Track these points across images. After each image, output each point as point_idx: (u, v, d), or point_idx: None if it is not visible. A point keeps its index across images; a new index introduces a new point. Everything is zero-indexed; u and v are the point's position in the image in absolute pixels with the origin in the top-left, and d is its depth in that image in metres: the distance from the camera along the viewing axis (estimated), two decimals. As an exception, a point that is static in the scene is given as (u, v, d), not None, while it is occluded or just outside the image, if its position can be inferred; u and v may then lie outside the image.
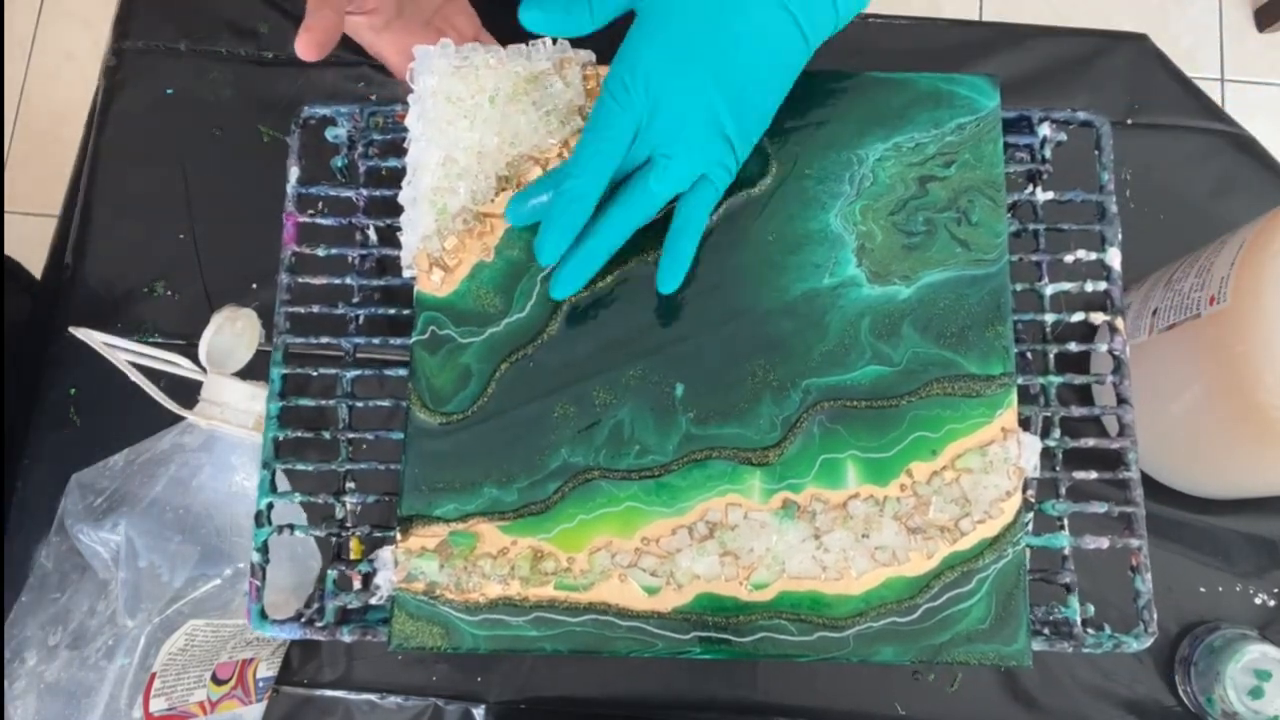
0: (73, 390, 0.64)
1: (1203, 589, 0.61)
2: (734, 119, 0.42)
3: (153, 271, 0.66)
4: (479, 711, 0.60)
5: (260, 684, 0.58)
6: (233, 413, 0.52)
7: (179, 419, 0.52)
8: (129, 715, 0.49)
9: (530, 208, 0.43)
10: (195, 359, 0.54)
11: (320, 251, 0.47)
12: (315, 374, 0.46)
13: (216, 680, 0.54)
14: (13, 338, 0.63)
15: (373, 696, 0.60)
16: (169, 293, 0.66)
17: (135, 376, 0.53)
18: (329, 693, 0.60)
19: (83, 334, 0.55)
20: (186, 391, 0.53)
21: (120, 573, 0.49)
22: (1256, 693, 0.56)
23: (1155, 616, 0.42)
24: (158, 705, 0.50)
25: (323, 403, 0.46)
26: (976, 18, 1.42)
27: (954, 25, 0.71)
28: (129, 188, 0.67)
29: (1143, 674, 0.60)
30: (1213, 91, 1.32)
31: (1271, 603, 0.61)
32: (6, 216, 1.11)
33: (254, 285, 0.66)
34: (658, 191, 0.42)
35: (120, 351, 0.54)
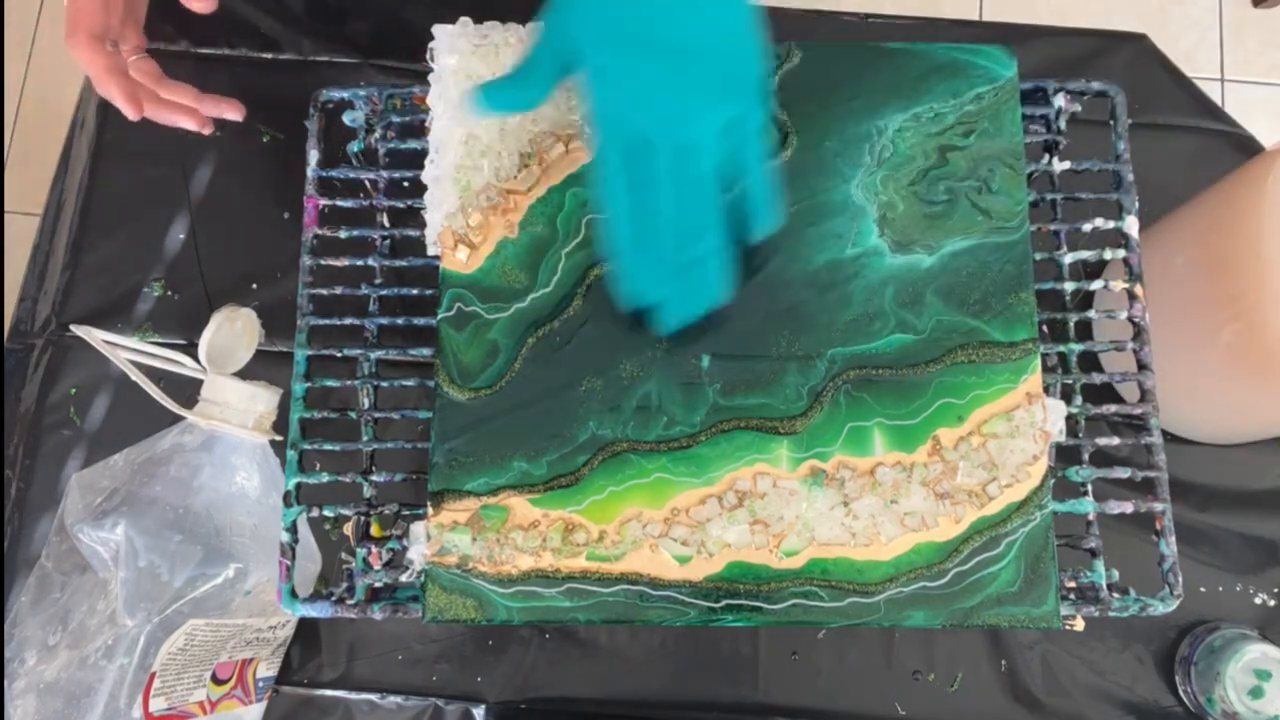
0: (73, 390, 0.64)
1: (1203, 589, 0.61)
2: (705, 67, 0.39)
3: (153, 271, 0.66)
4: (479, 711, 0.60)
5: (260, 684, 0.58)
6: (233, 412, 0.52)
7: (179, 419, 0.52)
8: (128, 715, 0.49)
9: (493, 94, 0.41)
10: (195, 359, 0.54)
11: (342, 233, 0.47)
12: (340, 354, 0.46)
13: (216, 680, 0.54)
14: None
15: (373, 696, 0.60)
16: (169, 293, 0.66)
17: (135, 376, 0.53)
18: (329, 693, 0.60)
19: (83, 333, 0.55)
20: (186, 391, 0.53)
21: (120, 572, 0.49)
22: (1256, 693, 0.56)
23: (1180, 579, 0.43)
24: (157, 705, 0.50)
25: (347, 383, 0.46)
26: (976, 18, 1.43)
27: (954, 25, 0.71)
28: (129, 188, 0.67)
29: (1143, 674, 0.60)
30: (1213, 91, 1.33)
31: (1271, 603, 0.61)
32: (6, 216, 1.11)
33: (254, 285, 0.66)
34: (703, 172, 0.40)
35: (120, 351, 0.54)
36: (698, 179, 0.40)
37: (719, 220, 0.41)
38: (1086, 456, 0.45)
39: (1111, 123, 0.47)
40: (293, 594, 0.43)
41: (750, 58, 0.40)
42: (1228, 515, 0.62)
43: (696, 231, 0.40)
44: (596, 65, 0.40)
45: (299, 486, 0.44)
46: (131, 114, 0.52)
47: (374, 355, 0.47)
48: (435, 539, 0.42)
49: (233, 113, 0.55)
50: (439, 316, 0.44)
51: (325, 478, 0.45)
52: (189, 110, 0.55)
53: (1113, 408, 0.45)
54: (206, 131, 0.55)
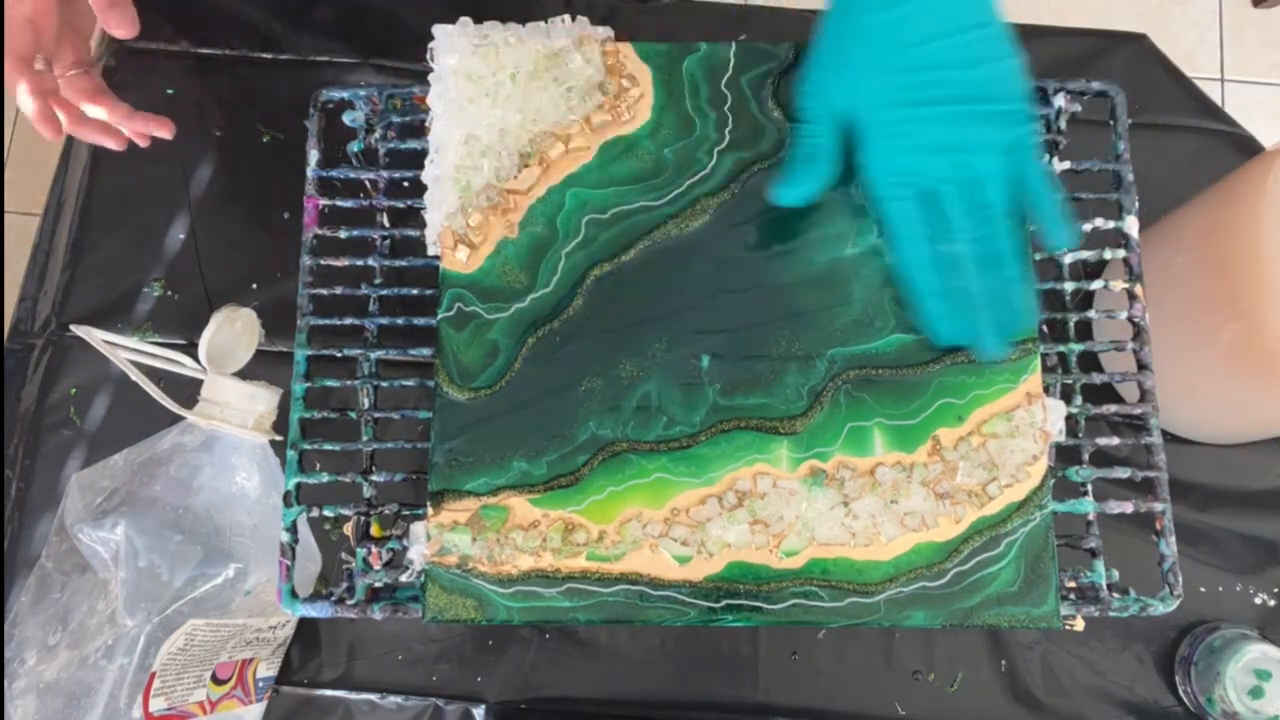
0: (73, 390, 0.64)
1: (1203, 589, 0.61)
2: (975, 100, 0.41)
3: (153, 271, 0.66)
4: (479, 711, 0.60)
5: (260, 684, 0.58)
6: (233, 412, 0.52)
7: (179, 419, 0.52)
8: (128, 715, 0.49)
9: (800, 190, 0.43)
10: (195, 359, 0.54)
11: (342, 234, 0.47)
12: (340, 354, 0.46)
13: (216, 680, 0.54)
14: None
15: (373, 696, 0.60)
16: (169, 293, 0.66)
17: (135, 376, 0.53)
18: (329, 693, 0.60)
19: (83, 333, 0.55)
20: (186, 391, 0.53)
21: (120, 572, 0.48)
22: (1256, 693, 0.56)
23: (1180, 579, 0.43)
24: (157, 705, 0.50)
25: (347, 383, 0.46)
26: (976, 18, 1.42)
27: (954, 25, 0.71)
28: (129, 188, 0.67)
29: (1143, 674, 0.60)
30: (1213, 91, 1.33)
31: (1271, 603, 0.61)
32: (6, 216, 1.11)
33: (254, 285, 0.66)
34: (994, 200, 0.41)
35: (120, 351, 0.54)
36: (989, 210, 0.41)
37: (1016, 246, 0.42)
38: (1086, 456, 0.45)
39: (1111, 123, 0.47)
40: (293, 594, 0.43)
41: (1012, 80, 0.42)
42: (1228, 515, 0.62)
43: (997, 260, 0.41)
44: (874, 125, 0.42)
45: (299, 486, 0.44)
46: (47, 135, 0.52)
47: (374, 355, 0.47)
48: (435, 539, 0.42)
49: (162, 131, 0.56)
50: (439, 316, 0.44)
51: (325, 478, 0.45)
52: (109, 130, 0.55)
53: (1113, 408, 0.45)
54: (119, 148, 0.55)
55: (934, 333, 0.42)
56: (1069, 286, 0.46)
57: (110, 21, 0.50)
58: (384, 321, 0.47)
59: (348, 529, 0.46)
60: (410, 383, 0.47)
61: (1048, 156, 0.48)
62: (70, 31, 0.53)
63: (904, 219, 0.42)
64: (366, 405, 0.46)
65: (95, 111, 0.54)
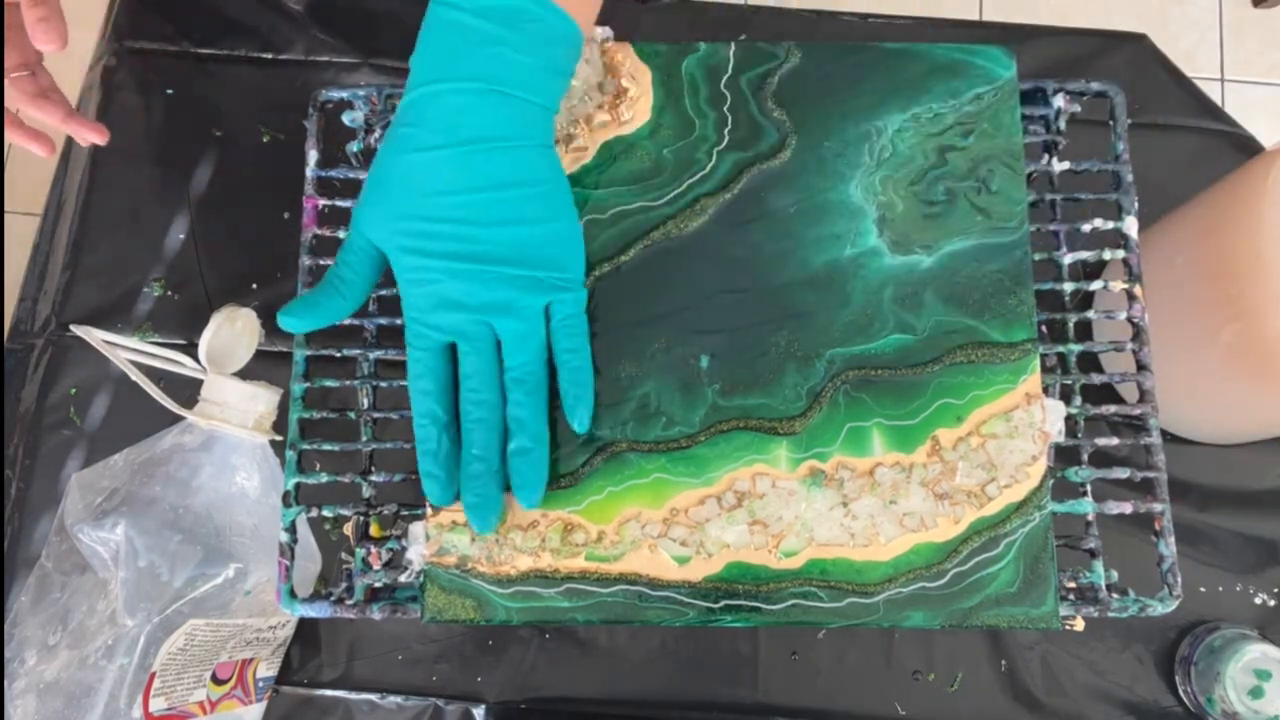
0: (73, 390, 0.64)
1: (1203, 589, 0.61)
2: (499, 262, 0.40)
3: (153, 271, 0.66)
4: (479, 711, 0.60)
5: (260, 684, 0.58)
6: (233, 413, 0.52)
7: (179, 419, 0.52)
8: (128, 715, 0.49)
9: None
10: (195, 359, 0.54)
11: (342, 234, 0.47)
12: (339, 354, 0.46)
13: (216, 680, 0.54)
14: None
15: (373, 696, 0.60)
16: (169, 293, 0.66)
17: (135, 376, 0.53)
18: (329, 693, 0.60)
19: (83, 332, 0.55)
20: (186, 391, 0.53)
21: (120, 572, 0.48)
22: (1256, 693, 0.56)
23: (1180, 579, 0.43)
24: (157, 705, 0.50)
25: (346, 383, 0.46)
26: (976, 18, 1.42)
27: (954, 25, 0.71)
28: (129, 188, 0.67)
29: (1143, 674, 0.60)
30: (1213, 91, 1.33)
31: (1271, 603, 0.61)
32: (6, 216, 1.11)
33: (254, 285, 0.66)
34: (514, 365, 0.41)
35: (120, 351, 0.54)
36: (511, 374, 0.41)
37: (535, 415, 0.41)
38: (1086, 457, 0.44)
39: (1111, 123, 0.47)
40: (292, 594, 0.43)
41: (553, 245, 0.41)
42: (1228, 515, 0.62)
43: (516, 427, 0.41)
44: (397, 268, 0.41)
45: (298, 486, 0.44)
46: None
47: (373, 355, 0.47)
48: (434, 539, 0.42)
49: (97, 137, 0.56)
50: None
51: (325, 478, 0.45)
52: (37, 136, 0.55)
53: (1112, 408, 0.45)
54: (44, 153, 0.56)
55: (425, 492, 0.41)
56: (1068, 287, 0.46)
57: (39, 36, 0.49)
58: (383, 321, 0.47)
59: (347, 529, 0.46)
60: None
61: (1047, 156, 0.48)
62: (15, 34, 0.53)
63: (415, 367, 0.41)
64: (366, 405, 0.46)
65: (34, 114, 0.55)
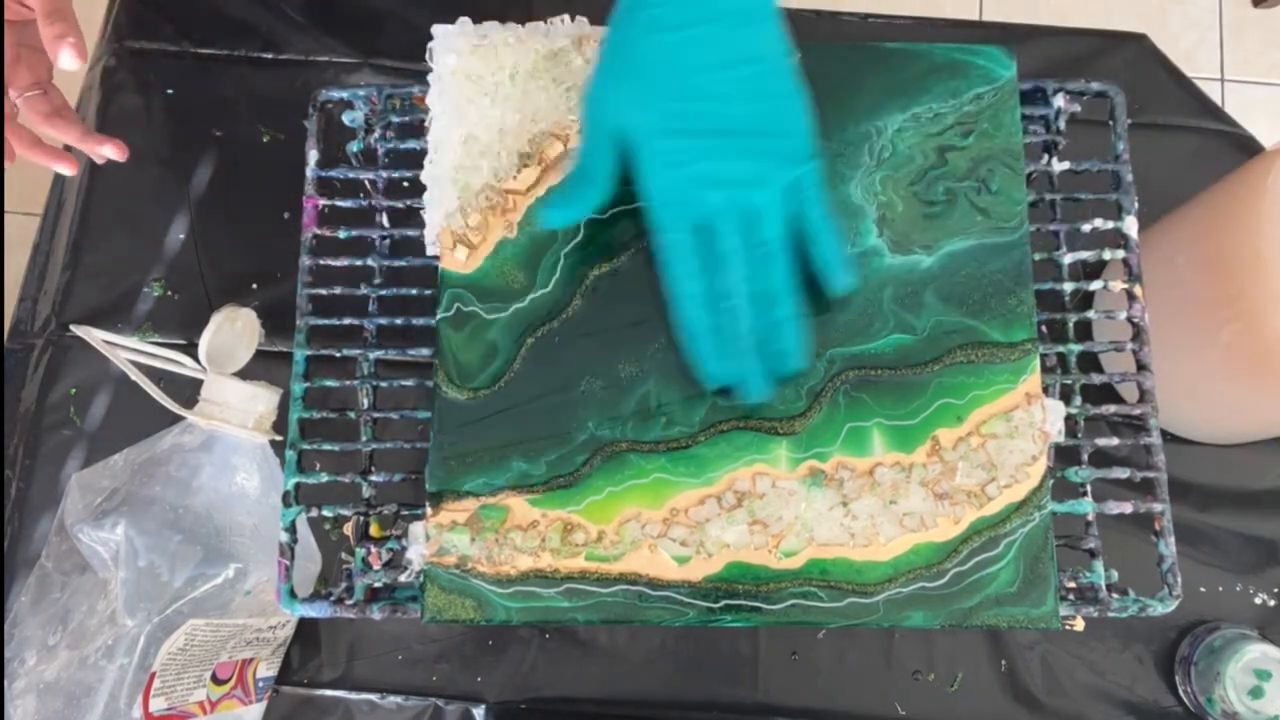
0: (73, 390, 0.64)
1: (1203, 589, 0.61)
2: (755, 135, 0.40)
3: (153, 271, 0.66)
4: (479, 711, 0.60)
5: (260, 684, 0.58)
6: (233, 412, 0.52)
7: (179, 419, 0.52)
8: (128, 715, 0.49)
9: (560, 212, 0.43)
10: (195, 359, 0.54)
11: (341, 234, 0.47)
12: (339, 354, 0.46)
13: (216, 680, 0.54)
14: None
15: (373, 696, 0.60)
16: (169, 293, 0.66)
17: (135, 376, 0.53)
18: (329, 693, 0.60)
19: (83, 332, 0.55)
20: (186, 391, 0.53)
21: (120, 572, 0.49)
22: (1256, 693, 0.56)
23: (1179, 580, 0.43)
24: (157, 705, 0.50)
25: (346, 383, 0.46)
26: (976, 18, 1.42)
27: (954, 25, 0.71)
28: (129, 188, 0.67)
29: (1143, 674, 0.60)
30: (1213, 91, 1.33)
31: (1271, 603, 0.61)
32: (7, 216, 1.11)
33: (254, 285, 0.66)
34: (770, 239, 0.41)
35: (120, 351, 0.54)
36: (765, 248, 0.41)
37: (791, 286, 0.41)
38: (1086, 457, 0.44)
39: (1111, 123, 0.47)
40: (292, 594, 0.43)
41: (797, 117, 0.41)
42: (1228, 515, 0.62)
43: (770, 301, 0.41)
44: (649, 151, 0.41)
45: (298, 486, 0.44)
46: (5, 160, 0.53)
47: (373, 355, 0.47)
48: (434, 539, 0.42)
49: (116, 153, 0.56)
50: (438, 316, 0.44)
51: (325, 478, 0.45)
52: (61, 155, 0.54)
53: (1112, 408, 0.45)
54: (70, 172, 0.55)
55: (701, 373, 0.42)
56: (1068, 287, 0.46)
57: (58, 53, 0.49)
58: (383, 321, 0.47)
59: (347, 529, 0.46)
60: (409, 383, 0.47)
61: (1047, 156, 0.48)
62: (27, 52, 0.52)
63: (675, 252, 0.41)
64: (366, 405, 0.46)
65: (51, 134, 0.54)
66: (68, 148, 0.55)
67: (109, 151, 0.55)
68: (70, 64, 0.49)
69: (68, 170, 0.55)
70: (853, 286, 0.42)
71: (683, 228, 0.41)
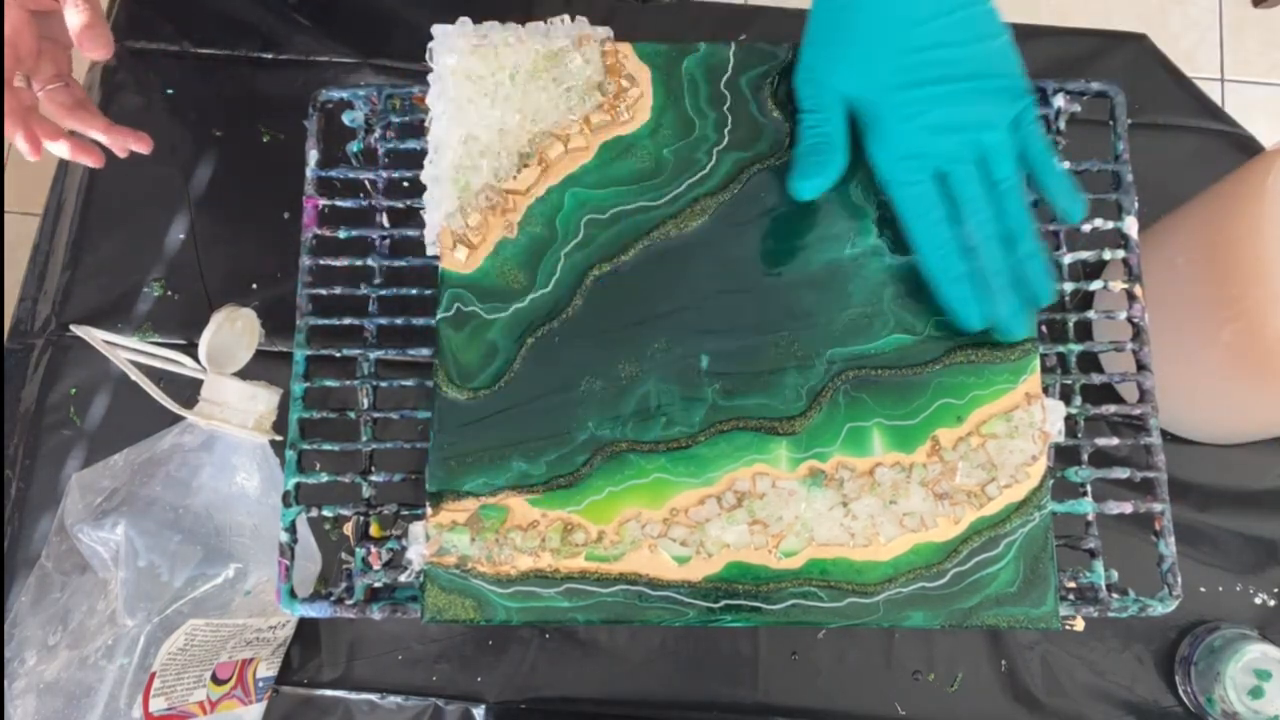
0: (73, 390, 0.64)
1: (1203, 589, 0.61)
2: (978, 76, 0.41)
3: (153, 271, 0.66)
4: (479, 711, 0.60)
5: (260, 684, 0.58)
6: (233, 412, 0.52)
7: (179, 419, 0.52)
8: (128, 715, 0.49)
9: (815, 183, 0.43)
10: (195, 359, 0.54)
11: (341, 234, 0.47)
12: (339, 354, 0.46)
13: (216, 680, 0.54)
14: None
15: (373, 696, 0.60)
16: (169, 293, 0.66)
17: (135, 376, 0.53)
18: (329, 693, 0.60)
19: (83, 332, 0.55)
20: (186, 391, 0.53)
21: (120, 572, 0.49)
22: (1256, 693, 0.56)
23: (1179, 580, 0.43)
24: (157, 705, 0.50)
25: (346, 383, 0.46)
26: (976, 18, 1.42)
27: (954, 25, 0.71)
28: (129, 188, 0.67)
29: (1143, 674, 0.60)
30: (1213, 91, 1.33)
31: (1271, 603, 0.61)
32: (6, 216, 1.11)
33: (254, 285, 0.66)
34: (1005, 176, 0.42)
35: (120, 351, 0.54)
36: (1001, 187, 0.42)
37: (1031, 221, 0.42)
38: (1086, 457, 0.44)
39: (1111, 123, 0.47)
40: (292, 594, 0.43)
41: (1008, 55, 0.42)
42: (1228, 515, 0.62)
43: (1013, 237, 0.42)
44: (881, 107, 0.42)
45: (298, 486, 0.44)
46: (28, 155, 0.52)
47: (373, 355, 0.47)
48: (434, 539, 0.42)
49: (141, 146, 0.55)
50: (438, 316, 0.44)
51: (325, 478, 0.45)
52: (86, 148, 0.54)
53: (1112, 408, 0.45)
54: (96, 165, 0.55)
55: (962, 318, 0.42)
56: (1068, 287, 0.46)
57: (85, 45, 0.49)
58: (383, 321, 0.47)
59: (347, 529, 0.46)
60: (409, 383, 0.47)
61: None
62: (49, 45, 0.52)
63: (921, 203, 0.42)
64: (366, 405, 0.46)
65: (74, 126, 0.54)
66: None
67: (135, 145, 0.55)
68: (97, 54, 0.49)
69: (93, 163, 0.54)
70: (1084, 213, 0.43)
71: (923, 178, 0.42)
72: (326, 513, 0.45)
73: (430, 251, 0.45)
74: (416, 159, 0.47)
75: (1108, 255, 0.46)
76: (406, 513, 0.44)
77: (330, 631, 0.61)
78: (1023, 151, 0.42)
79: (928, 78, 0.41)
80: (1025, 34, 0.70)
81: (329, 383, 0.46)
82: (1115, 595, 0.43)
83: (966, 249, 0.42)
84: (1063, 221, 0.45)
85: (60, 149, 0.53)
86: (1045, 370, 0.44)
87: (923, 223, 0.42)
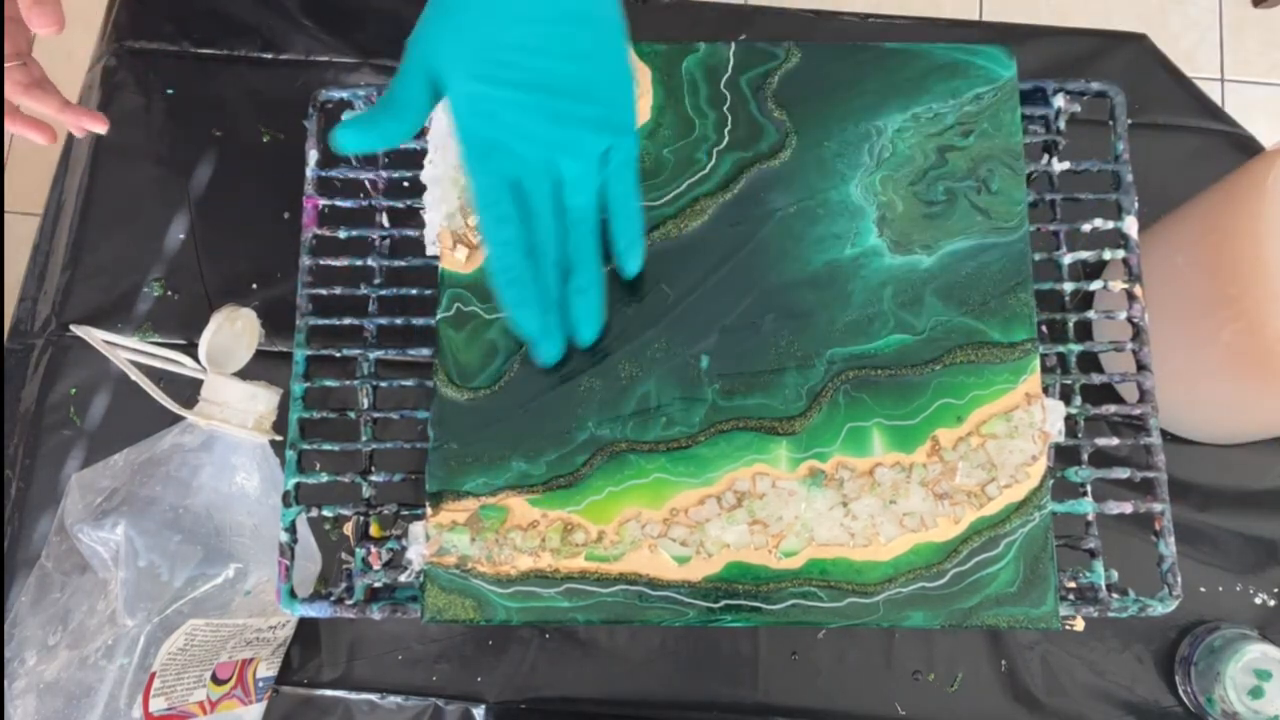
0: (73, 390, 0.64)
1: (1203, 589, 0.61)
2: (568, 96, 0.40)
3: (153, 271, 0.66)
4: (479, 711, 0.60)
5: (260, 684, 0.58)
6: (233, 412, 0.52)
7: (179, 419, 0.52)
8: (128, 715, 0.49)
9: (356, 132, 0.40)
10: (195, 359, 0.54)
11: (341, 233, 0.47)
12: (339, 354, 0.46)
13: (216, 680, 0.54)
14: None
15: (373, 696, 0.60)
16: (169, 293, 0.66)
17: (135, 376, 0.53)
18: (329, 693, 0.60)
19: (83, 332, 0.55)
20: (186, 391, 0.53)
21: (120, 572, 0.49)
22: (1256, 693, 0.56)
23: (1179, 580, 0.43)
24: (157, 705, 0.50)
25: (346, 383, 0.46)
26: (976, 18, 1.42)
27: (954, 25, 0.71)
28: (129, 188, 0.67)
29: (1143, 674, 0.60)
30: (1213, 91, 1.33)
31: (1271, 603, 0.61)
32: (6, 216, 1.11)
33: (254, 285, 0.66)
34: (573, 206, 0.41)
35: (120, 351, 0.54)
36: (577, 211, 0.41)
37: (595, 255, 0.41)
38: (1086, 457, 0.44)
39: (1111, 123, 0.47)
40: (292, 594, 0.43)
41: (616, 86, 0.41)
42: (1228, 515, 0.62)
43: (577, 263, 0.41)
44: (459, 95, 0.40)
45: (298, 486, 0.44)
46: None
47: (373, 355, 0.47)
48: (434, 539, 0.42)
49: (98, 125, 0.55)
50: (438, 316, 0.44)
51: (325, 478, 0.45)
52: (38, 125, 0.54)
53: (1112, 408, 0.45)
54: (46, 142, 0.55)
55: (519, 323, 0.41)
56: (1068, 287, 0.46)
57: (34, 19, 0.49)
58: (383, 321, 0.47)
59: (347, 529, 0.46)
60: (409, 383, 0.47)
61: (1047, 156, 0.48)
62: (9, 24, 0.52)
63: (486, 199, 0.40)
64: (366, 405, 0.46)
65: (29, 104, 0.54)
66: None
67: (91, 125, 0.55)
68: (47, 30, 0.49)
69: (42, 140, 0.54)
70: (637, 271, 0.42)
71: (492, 178, 0.40)
72: (326, 513, 0.45)
73: (430, 251, 0.45)
74: (416, 159, 0.47)
75: (1108, 255, 0.46)
76: (406, 513, 0.44)
77: (330, 631, 0.61)
78: (604, 186, 0.41)
79: (507, 79, 0.39)
80: (1025, 34, 0.70)
81: (329, 383, 0.46)
82: (1115, 595, 0.43)
83: (526, 255, 0.41)
84: (622, 276, 0.43)
85: (12, 126, 0.53)
86: (1045, 370, 0.44)
87: (484, 218, 0.41)
